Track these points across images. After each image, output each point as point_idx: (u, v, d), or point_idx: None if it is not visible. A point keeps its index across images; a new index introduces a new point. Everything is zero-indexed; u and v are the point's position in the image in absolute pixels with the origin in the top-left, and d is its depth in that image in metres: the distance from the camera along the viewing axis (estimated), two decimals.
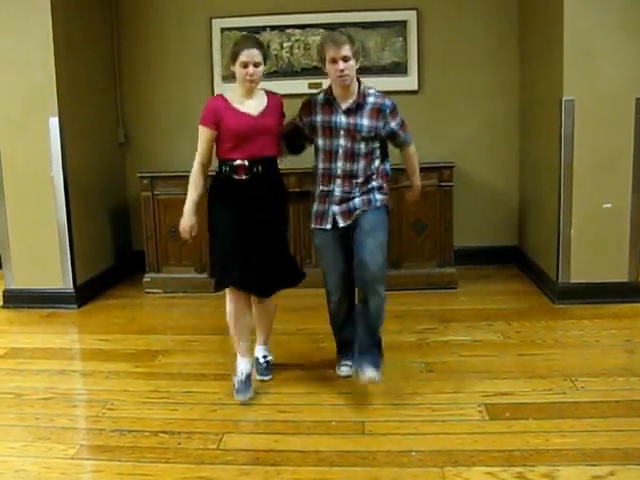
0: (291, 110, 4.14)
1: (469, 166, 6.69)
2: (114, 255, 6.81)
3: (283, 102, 4.15)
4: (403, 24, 6.62)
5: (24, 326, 5.55)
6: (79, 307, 5.91)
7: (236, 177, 3.93)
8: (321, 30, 6.62)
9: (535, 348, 4.67)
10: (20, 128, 5.71)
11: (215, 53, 6.74)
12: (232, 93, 4.05)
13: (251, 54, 3.87)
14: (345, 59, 3.78)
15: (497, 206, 6.88)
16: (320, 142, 4.01)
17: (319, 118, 3.99)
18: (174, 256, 6.34)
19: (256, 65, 3.89)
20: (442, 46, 6.67)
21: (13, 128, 5.73)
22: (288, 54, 6.72)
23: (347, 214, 3.98)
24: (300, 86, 6.51)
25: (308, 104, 4.08)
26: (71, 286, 5.88)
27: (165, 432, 3.63)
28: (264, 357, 4.35)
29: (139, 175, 6.33)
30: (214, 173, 4.09)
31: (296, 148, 4.27)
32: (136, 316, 5.74)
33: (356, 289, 4.04)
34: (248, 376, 4.04)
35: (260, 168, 3.94)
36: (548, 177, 5.73)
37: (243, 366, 4.07)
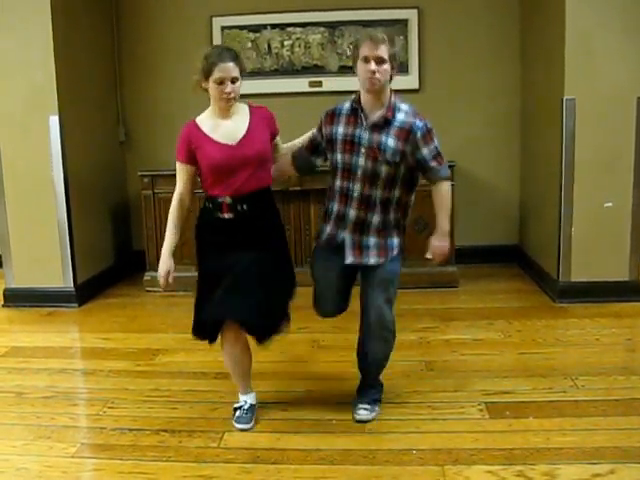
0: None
1: (470, 165, 6.69)
2: (114, 254, 6.81)
3: (273, 115, 3.62)
4: (404, 23, 6.62)
5: (25, 325, 5.55)
6: (80, 306, 5.91)
7: (220, 216, 3.46)
8: (321, 28, 6.63)
9: (536, 347, 4.67)
10: (20, 127, 5.71)
11: None
12: (205, 116, 3.52)
13: (227, 68, 3.34)
14: (379, 60, 3.33)
15: (498, 205, 6.88)
16: (339, 158, 3.51)
17: (341, 130, 3.50)
18: (175, 255, 6.29)
19: (233, 81, 3.36)
20: (443, 45, 6.67)
21: (13, 127, 5.73)
22: (289, 52, 6.71)
23: (358, 250, 3.55)
24: (300, 85, 6.53)
25: (332, 114, 3.58)
26: (71, 285, 5.89)
27: (166, 431, 3.64)
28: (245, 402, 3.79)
29: (140, 174, 6.34)
30: (201, 208, 3.63)
31: (305, 168, 3.83)
32: (137, 315, 5.74)
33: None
34: (252, 405, 3.74)
35: (245, 206, 3.42)
36: (549, 176, 5.73)
37: (246, 399, 3.74)
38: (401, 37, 6.61)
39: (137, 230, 6.89)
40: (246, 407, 3.71)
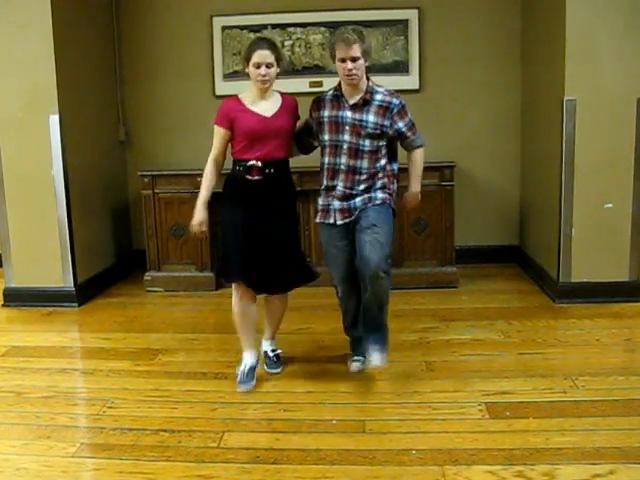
0: (303, 109, 4.15)
1: (470, 165, 6.70)
2: (115, 253, 6.81)
3: (298, 104, 4.18)
4: (404, 23, 6.62)
5: (25, 324, 5.55)
6: (80, 305, 5.91)
7: (249, 177, 3.99)
8: (322, 28, 6.63)
9: (536, 347, 4.67)
10: (21, 126, 5.71)
11: (216, 51, 6.74)
12: (246, 94, 4.07)
13: (263, 55, 3.90)
14: (354, 59, 3.82)
15: (498, 205, 6.88)
16: (326, 137, 4.02)
17: (326, 113, 4.01)
18: (175, 254, 6.34)
19: (268, 66, 3.91)
20: (443, 45, 6.67)
21: (14, 126, 5.72)
22: (289, 52, 6.70)
23: (346, 212, 4.02)
24: (301, 85, 6.52)
25: (317, 101, 4.11)
26: (72, 284, 5.89)
27: (166, 430, 3.64)
28: (273, 351, 4.42)
29: (140, 173, 6.33)
30: (228, 171, 4.15)
31: (305, 147, 4.30)
32: (137, 314, 5.74)
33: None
34: (252, 368, 4.17)
35: (272, 170, 3.99)
36: (549, 176, 5.73)
37: (248, 359, 4.19)
38: (401, 37, 6.62)
39: (137, 230, 6.89)
40: (246, 370, 4.14)
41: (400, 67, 6.66)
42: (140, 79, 6.93)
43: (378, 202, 4.00)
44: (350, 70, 3.83)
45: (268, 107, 4.02)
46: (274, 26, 6.69)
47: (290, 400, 3.98)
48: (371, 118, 3.93)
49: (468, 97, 6.73)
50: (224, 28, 6.70)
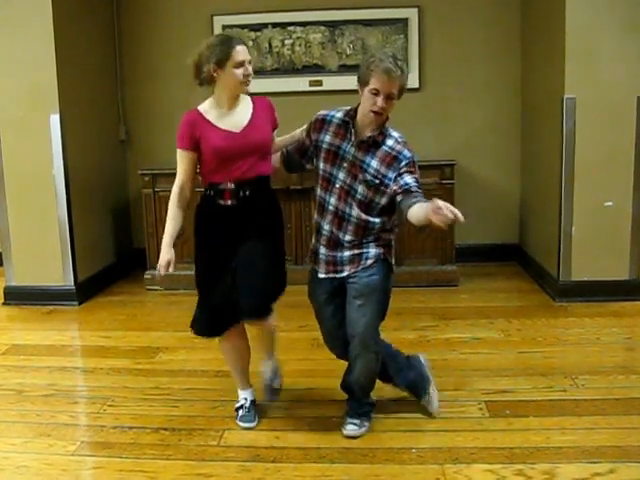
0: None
1: (470, 164, 6.69)
2: (115, 252, 6.81)
3: (274, 106, 3.60)
4: (404, 22, 6.61)
5: (25, 323, 5.56)
6: (80, 304, 5.91)
7: (222, 202, 3.42)
8: (322, 27, 6.63)
9: (536, 346, 4.67)
10: (22, 125, 5.71)
11: None
12: (208, 105, 3.50)
13: (244, 51, 3.35)
14: (390, 96, 3.25)
15: (498, 204, 6.88)
16: (321, 166, 3.45)
17: (327, 139, 3.42)
18: (175, 253, 6.31)
19: (250, 63, 3.38)
20: (443, 44, 6.67)
21: (15, 125, 5.73)
22: (289, 52, 6.71)
23: (331, 265, 3.47)
24: (301, 84, 6.53)
25: (322, 121, 3.48)
26: (72, 283, 5.89)
27: (166, 429, 3.65)
28: (270, 379, 3.92)
29: (140, 172, 6.34)
30: (201, 197, 3.57)
31: (295, 167, 3.77)
32: (137, 313, 5.74)
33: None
34: (252, 402, 3.78)
35: (248, 192, 3.40)
36: (549, 175, 5.73)
37: (247, 395, 3.79)
38: (401, 36, 6.61)
39: (138, 228, 6.90)
40: (247, 405, 3.74)
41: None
42: (140, 78, 6.93)
43: (370, 262, 3.41)
44: (381, 108, 3.24)
45: (237, 119, 3.43)
46: (274, 25, 6.69)
47: (289, 398, 3.98)
48: (374, 163, 3.32)
49: (468, 96, 6.73)
50: (224, 27, 6.69)
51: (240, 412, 3.73)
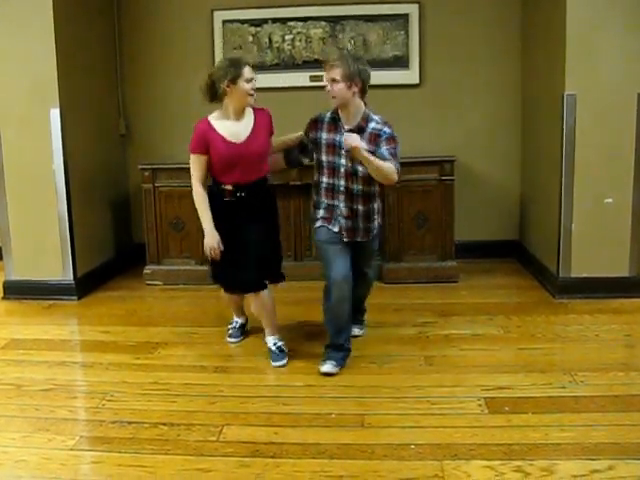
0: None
1: (470, 160, 6.69)
2: (115, 247, 6.81)
3: (271, 116, 4.34)
4: (405, 17, 6.60)
5: (24, 317, 5.55)
6: (79, 299, 5.91)
7: (223, 198, 4.24)
8: (322, 23, 6.62)
9: (535, 342, 4.67)
10: (22, 119, 5.71)
11: (217, 45, 6.72)
12: (217, 116, 4.22)
13: (251, 70, 4.11)
14: (333, 81, 3.99)
15: (498, 200, 6.87)
16: (324, 158, 4.19)
17: (324, 135, 4.18)
18: (175, 248, 6.34)
19: (255, 80, 4.13)
20: (444, 40, 6.65)
21: (15, 119, 5.72)
22: (290, 47, 6.70)
23: (351, 231, 4.24)
24: (301, 79, 6.53)
25: (315, 121, 4.26)
26: (71, 278, 5.89)
27: (165, 424, 3.64)
28: (274, 344, 4.46)
29: (140, 167, 6.33)
30: (209, 187, 4.32)
31: (295, 163, 4.58)
32: (136, 308, 5.74)
33: None
34: (242, 325, 4.85)
35: (244, 193, 4.21)
36: (549, 171, 5.73)
37: (238, 319, 4.85)
38: (402, 32, 6.60)
39: (137, 223, 6.89)
40: (237, 326, 4.82)
41: (400, 62, 6.64)
42: (141, 73, 6.92)
43: (375, 233, 4.37)
44: (329, 92, 4.04)
45: (240, 130, 4.17)
46: (274, 20, 6.68)
47: (289, 394, 3.99)
48: (363, 145, 3.95)
49: (468, 92, 6.72)
50: (225, 22, 6.69)
51: (230, 331, 4.79)
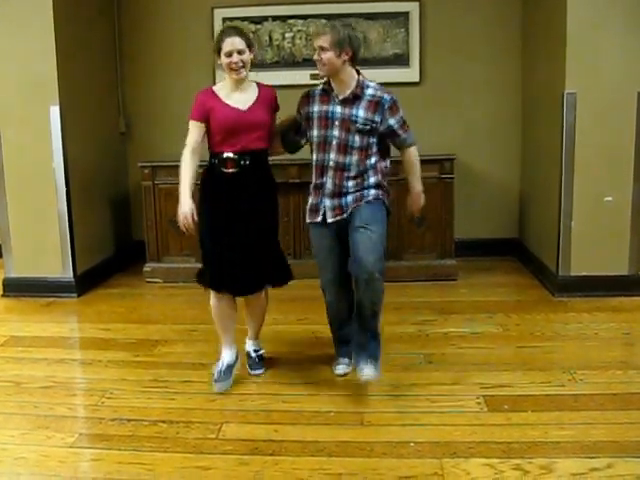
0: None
1: (470, 158, 6.69)
2: (114, 244, 6.81)
3: (277, 95, 4.10)
4: (405, 15, 6.60)
5: (24, 314, 5.55)
6: (79, 296, 5.91)
7: (224, 170, 3.90)
8: (323, 20, 6.60)
9: (534, 340, 4.67)
10: (21, 117, 5.71)
11: None
12: (221, 86, 4.02)
13: (233, 42, 3.81)
14: (322, 49, 3.77)
15: (498, 198, 6.87)
16: (315, 132, 3.92)
17: (316, 108, 3.92)
18: (175, 246, 6.34)
19: (240, 52, 3.82)
20: (444, 38, 6.65)
21: (14, 117, 5.72)
22: (290, 44, 6.70)
23: (338, 209, 3.89)
24: (302, 77, 6.50)
25: (306, 96, 4.03)
26: (71, 275, 5.89)
27: (164, 421, 3.65)
28: (255, 351, 4.32)
29: (140, 165, 6.33)
30: (205, 166, 4.05)
31: (291, 145, 4.20)
32: (136, 305, 5.74)
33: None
34: (229, 366, 4.07)
35: (248, 161, 3.89)
36: (549, 170, 5.73)
37: (226, 356, 4.10)
38: (402, 30, 6.60)
39: (137, 221, 6.89)
40: (224, 368, 4.05)
41: (400, 60, 6.65)
42: (141, 71, 6.92)
43: (371, 198, 3.87)
44: (318, 60, 3.81)
45: (244, 99, 3.93)
46: (275, 18, 6.68)
47: (288, 391, 3.99)
48: (361, 113, 3.81)
49: (468, 90, 6.72)
50: (225, 20, 6.68)
51: (215, 375, 4.04)
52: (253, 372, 4.23)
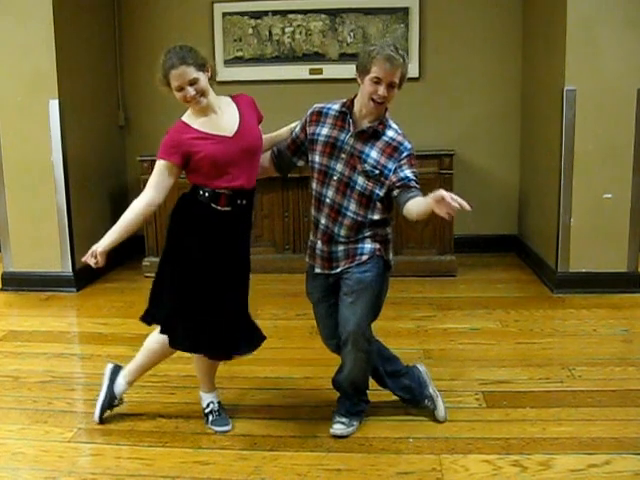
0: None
1: (470, 154, 6.69)
2: None
3: (254, 99, 3.45)
4: (405, 10, 6.60)
5: (23, 309, 5.56)
6: (78, 290, 5.91)
7: (214, 206, 3.24)
8: (322, 15, 6.60)
9: (533, 337, 4.68)
10: (20, 110, 5.70)
11: (217, 37, 6.72)
12: (192, 114, 3.29)
13: (180, 75, 3.14)
14: (392, 85, 3.18)
15: (497, 194, 6.87)
16: (317, 159, 3.33)
17: (325, 131, 3.32)
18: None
19: (192, 83, 3.15)
20: (444, 33, 6.65)
21: (13, 110, 5.72)
22: (290, 39, 6.69)
23: (326, 261, 3.38)
24: (301, 72, 6.51)
25: (319, 114, 3.38)
26: (70, 269, 5.89)
27: (163, 416, 3.65)
28: (219, 402, 3.64)
29: (139, 158, 6.32)
30: (186, 194, 3.39)
31: (287, 168, 3.59)
32: (135, 300, 5.71)
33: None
34: (220, 404, 3.60)
35: (245, 201, 3.28)
36: (549, 166, 5.72)
37: (212, 398, 3.60)
38: (402, 25, 6.60)
39: None
40: (216, 408, 3.57)
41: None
42: (140, 64, 6.89)
43: (365, 257, 3.31)
44: (383, 97, 3.17)
45: (226, 123, 3.24)
46: (274, 12, 6.68)
47: (287, 387, 3.99)
48: (374, 154, 3.24)
49: (468, 86, 6.72)
50: (225, 14, 6.68)
51: (210, 417, 3.55)
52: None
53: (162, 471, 3.15)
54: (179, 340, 3.33)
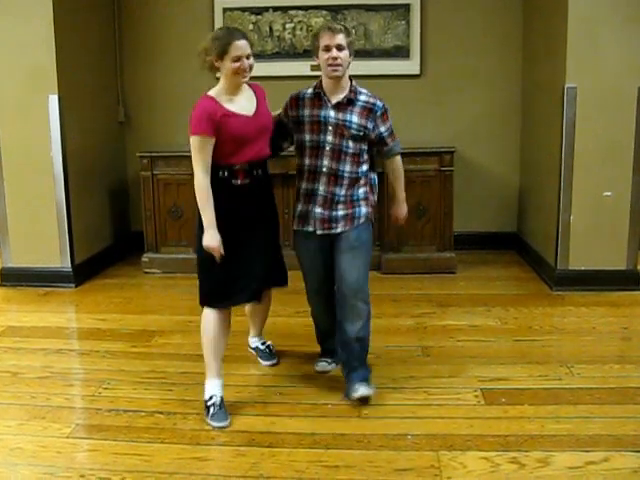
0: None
1: (470, 151, 6.68)
2: (113, 235, 6.80)
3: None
4: (406, 7, 6.57)
5: (21, 304, 5.55)
6: (77, 286, 5.91)
7: (234, 182, 3.61)
8: (324, 11, 6.60)
9: (532, 334, 4.68)
10: (20, 105, 5.69)
11: None
12: (218, 92, 3.62)
13: (243, 46, 3.50)
14: (339, 47, 3.58)
15: (497, 192, 6.86)
16: (307, 137, 3.74)
17: (307, 112, 3.75)
18: (173, 236, 6.33)
19: (248, 57, 3.53)
20: (445, 30, 6.63)
21: (13, 105, 5.70)
22: (290, 35, 6.68)
23: (327, 222, 3.76)
24: (302, 68, 6.49)
25: (295, 98, 3.83)
26: (69, 265, 5.88)
27: (161, 412, 3.65)
28: (263, 343, 4.32)
29: (139, 155, 6.31)
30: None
31: (276, 149, 3.91)
32: (134, 296, 5.74)
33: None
34: (222, 398, 3.64)
35: (260, 171, 3.69)
36: (549, 164, 5.72)
37: (217, 389, 3.66)
38: (403, 21, 6.58)
39: (135, 211, 6.88)
40: (218, 402, 3.60)
41: (401, 52, 6.62)
42: (140, 60, 6.90)
43: (362, 220, 3.77)
44: (335, 59, 3.57)
45: (247, 105, 3.64)
46: (275, 9, 6.66)
47: (286, 383, 4.00)
48: (355, 119, 3.68)
49: (469, 83, 6.71)
50: (225, 10, 6.66)
51: (211, 410, 3.57)
52: (266, 363, 4.26)
53: (160, 467, 3.15)
54: (212, 299, 3.78)
